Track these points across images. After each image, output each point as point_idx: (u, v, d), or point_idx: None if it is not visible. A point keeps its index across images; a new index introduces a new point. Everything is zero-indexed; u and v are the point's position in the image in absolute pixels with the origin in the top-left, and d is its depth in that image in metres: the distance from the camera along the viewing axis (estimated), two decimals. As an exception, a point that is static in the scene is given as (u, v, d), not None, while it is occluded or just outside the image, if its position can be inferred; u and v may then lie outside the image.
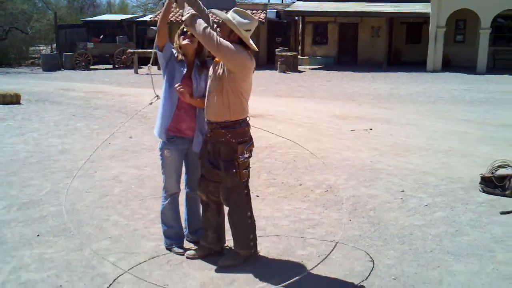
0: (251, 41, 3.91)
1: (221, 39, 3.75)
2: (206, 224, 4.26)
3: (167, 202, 4.34)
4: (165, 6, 4.02)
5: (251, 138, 4.08)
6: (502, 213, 5.37)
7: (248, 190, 4.13)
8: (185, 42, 4.13)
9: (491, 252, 4.43)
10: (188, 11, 3.83)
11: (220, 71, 3.87)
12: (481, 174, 6.22)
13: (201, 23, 3.74)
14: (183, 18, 3.83)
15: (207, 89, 4.04)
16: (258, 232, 4.31)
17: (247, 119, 4.05)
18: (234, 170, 3.92)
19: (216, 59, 3.94)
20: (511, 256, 4.34)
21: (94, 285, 3.76)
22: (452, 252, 4.43)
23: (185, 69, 4.17)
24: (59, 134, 9.47)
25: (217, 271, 3.99)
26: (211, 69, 4.04)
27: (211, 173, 4.11)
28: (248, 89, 4.00)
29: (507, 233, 4.83)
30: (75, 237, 4.61)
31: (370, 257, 4.30)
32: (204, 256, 4.20)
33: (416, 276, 3.97)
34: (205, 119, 4.08)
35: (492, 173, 6.12)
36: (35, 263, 4.11)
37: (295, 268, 4.10)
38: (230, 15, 3.85)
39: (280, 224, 5.07)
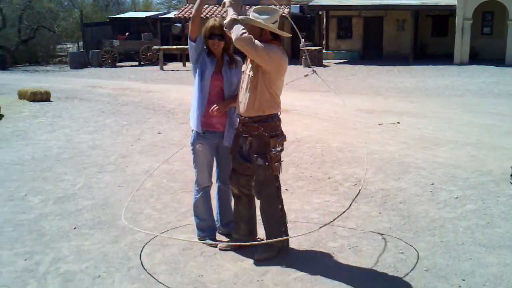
0: (281, 31, 3.98)
1: (258, 43, 3.80)
2: (238, 216, 4.34)
3: (199, 195, 4.42)
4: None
5: (282, 132, 4.14)
6: (534, 205, 5.33)
7: (279, 184, 4.19)
8: (212, 44, 4.19)
9: (523, 244, 4.41)
10: (232, 15, 3.88)
11: (254, 70, 3.92)
12: (512, 166, 6.17)
13: (239, 28, 3.79)
14: (225, 21, 3.89)
15: (240, 85, 4.10)
16: (289, 225, 4.37)
17: (279, 113, 4.11)
18: (266, 163, 3.98)
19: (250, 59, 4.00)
20: (544, 248, 4.33)
21: (131, 275, 3.86)
22: (484, 244, 4.42)
23: (215, 64, 4.23)
24: (89, 130, 9.66)
25: (254, 263, 4.05)
26: (244, 66, 4.10)
27: (242, 166, 4.18)
28: (281, 85, 4.07)
29: (540, 226, 4.80)
30: (111, 230, 4.73)
31: (401, 248, 4.32)
32: (237, 249, 4.28)
33: (448, 267, 3.99)
34: (237, 114, 4.15)
35: (523, 165, 6.07)
36: (73, 254, 4.24)
37: (326, 258, 4.15)
38: (253, 16, 3.90)
39: (310, 217, 5.12)
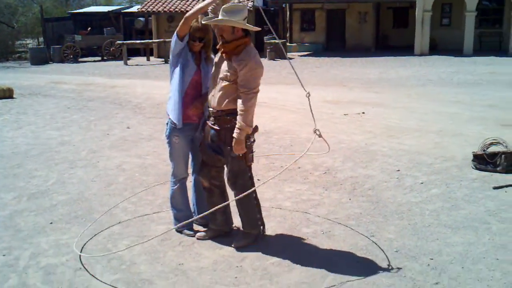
0: (252, 26, 4.11)
1: (247, 90, 3.97)
2: (213, 208, 4.44)
3: (176, 187, 4.51)
4: (205, 3, 4.11)
5: (254, 125, 4.26)
6: (495, 188, 5.61)
7: (252, 174, 4.31)
8: (193, 45, 4.27)
9: (486, 224, 4.66)
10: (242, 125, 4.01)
11: (233, 75, 4.02)
12: (473, 152, 6.45)
13: (247, 115, 4.00)
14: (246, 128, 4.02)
15: (211, 79, 4.20)
16: (264, 213, 4.49)
17: None
18: (240, 154, 4.10)
19: (222, 50, 4.09)
20: (505, 227, 4.58)
21: (112, 266, 3.93)
22: (449, 225, 4.65)
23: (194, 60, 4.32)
24: (57, 127, 9.58)
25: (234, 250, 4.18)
26: (216, 58, 4.20)
27: (213, 158, 4.29)
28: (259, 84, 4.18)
29: (500, 206, 5.06)
30: (87, 224, 4.77)
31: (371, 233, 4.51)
32: (214, 237, 4.39)
33: (417, 248, 4.19)
34: (209, 107, 4.24)
35: (484, 150, 6.35)
36: (52, 248, 4.28)
37: (301, 243, 4.31)
38: (223, 15, 3.99)
39: (283, 205, 5.26)
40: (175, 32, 4.23)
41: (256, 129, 4.25)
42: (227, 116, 4.10)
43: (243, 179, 4.21)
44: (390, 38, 28.59)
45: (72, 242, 4.38)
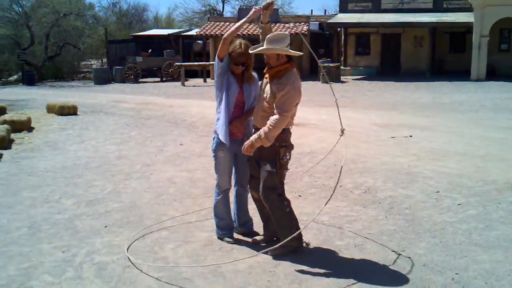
0: (295, 52, 4.48)
1: (281, 111, 4.28)
2: (265, 217, 4.79)
3: (220, 197, 4.88)
4: (239, 23, 4.55)
5: (291, 144, 4.59)
6: (532, 211, 5.68)
7: (283, 190, 4.61)
8: (236, 69, 4.68)
9: (517, 245, 4.78)
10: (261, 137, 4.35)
11: (271, 97, 4.38)
12: (514, 176, 6.53)
13: (271, 131, 4.28)
14: (265, 141, 4.35)
15: (258, 99, 4.58)
16: (301, 226, 4.78)
17: (290, 128, 4.57)
18: (274, 170, 4.42)
19: (266, 75, 4.47)
20: (536, 248, 4.68)
21: (157, 266, 4.33)
22: (480, 244, 4.80)
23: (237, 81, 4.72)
24: (116, 142, 10.22)
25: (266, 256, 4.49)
26: (263, 82, 4.56)
27: (259, 172, 4.64)
28: (295, 109, 4.51)
29: (535, 229, 5.15)
30: (138, 228, 5.21)
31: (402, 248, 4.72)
32: (269, 242, 4.74)
33: (444, 263, 4.37)
34: (253, 125, 4.61)
35: (524, 174, 6.42)
36: (105, 248, 4.73)
37: (333, 254, 4.58)
38: (268, 45, 4.38)
39: (320, 219, 5.53)
40: (216, 55, 4.65)
41: (291, 147, 4.58)
42: None
43: (274, 194, 4.50)
44: (446, 63, 28.33)
45: (123, 243, 4.82)
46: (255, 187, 4.71)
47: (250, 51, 4.55)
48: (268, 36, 4.43)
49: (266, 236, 4.84)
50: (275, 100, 4.35)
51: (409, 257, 4.50)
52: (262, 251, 4.49)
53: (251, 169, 4.73)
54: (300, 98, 4.48)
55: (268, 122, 4.32)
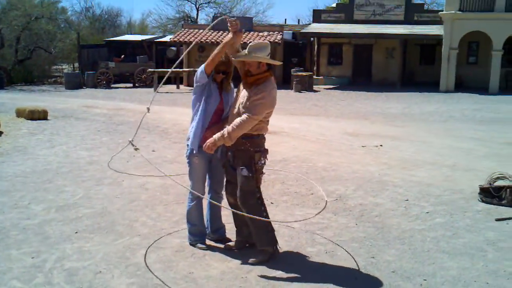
0: (275, 61, 4.63)
1: (249, 113, 4.36)
2: (239, 222, 4.82)
3: (193, 203, 4.89)
4: (225, 42, 4.57)
5: (265, 149, 4.65)
6: (497, 219, 5.84)
7: (261, 195, 4.66)
8: (217, 77, 4.72)
9: (482, 252, 4.91)
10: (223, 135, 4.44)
11: (247, 102, 4.44)
12: (480, 185, 6.70)
13: (235, 131, 4.38)
14: (228, 140, 4.43)
15: (233, 107, 4.62)
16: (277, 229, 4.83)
17: (264, 134, 4.63)
18: (251, 175, 4.47)
19: (245, 81, 4.53)
20: (500, 255, 4.82)
21: (129, 271, 4.31)
22: (447, 251, 4.91)
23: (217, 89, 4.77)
24: (87, 147, 10.12)
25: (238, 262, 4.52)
26: (239, 89, 4.61)
27: (235, 177, 4.67)
28: (270, 114, 4.59)
29: (500, 237, 5.30)
30: (110, 234, 5.18)
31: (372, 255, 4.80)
32: (241, 248, 4.80)
33: (413, 270, 4.47)
34: None
35: (490, 184, 6.59)
36: (76, 254, 4.69)
37: (305, 261, 4.63)
38: (253, 52, 4.46)
39: (292, 226, 5.59)
40: (203, 67, 4.67)
41: (266, 151, 4.63)
42: (242, 139, 4.49)
43: (253, 199, 4.55)
44: (416, 74, 28.86)
45: (94, 249, 4.78)
46: (231, 192, 4.74)
47: (234, 59, 4.60)
48: (251, 44, 4.52)
49: (239, 243, 4.87)
50: (247, 103, 4.40)
51: (378, 264, 4.58)
52: (250, 261, 4.52)
53: (227, 175, 4.77)
54: (274, 107, 4.54)
55: (234, 122, 4.39)
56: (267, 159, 4.66)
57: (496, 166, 8.56)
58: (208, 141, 4.49)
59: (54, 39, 33.12)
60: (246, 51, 4.53)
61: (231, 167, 4.67)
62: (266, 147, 4.68)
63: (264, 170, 4.67)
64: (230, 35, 4.55)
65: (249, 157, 4.51)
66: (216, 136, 4.46)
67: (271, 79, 4.55)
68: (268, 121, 4.61)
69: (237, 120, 4.40)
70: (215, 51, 4.61)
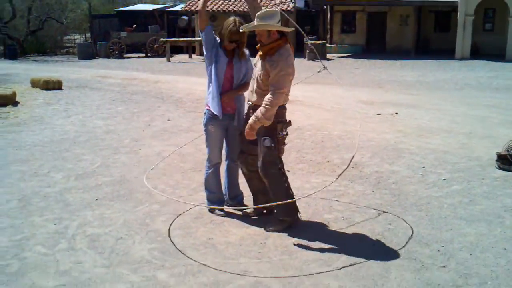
0: (286, 28, 4.48)
1: (275, 89, 4.29)
2: (254, 190, 4.87)
3: (210, 171, 4.94)
4: None
5: (287, 119, 4.62)
6: (515, 186, 5.83)
7: (282, 164, 4.67)
8: (229, 46, 4.69)
9: (500, 218, 4.91)
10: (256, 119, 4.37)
11: (265, 75, 4.38)
12: (497, 152, 6.66)
13: (268, 110, 4.30)
14: (264, 121, 4.36)
15: (252, 76, 4.59)
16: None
17: (285, 103, 4.59)
18: (273, 145, 4.47)
19: (260, 53, 4.47)
20: (518, 221, 4.83)
21: (150, 237, 4.39)
22: (464, 218, 4.92)
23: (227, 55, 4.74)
24: (102, 117, 10.18)
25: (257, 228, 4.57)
26: (256, 59, 4.57)
27: (249, 147, 4.68)
28: (290, 85, 4.51)
29: (517, 203, 5.30)
30: (129, 201, 5.26)
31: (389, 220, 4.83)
32: (259, 214, 4.86)
33: (430, 236, 4.49)
34: (248, 101, 4.64)
35: (508, 151, 6.55)
36: (97, 220, 4.77)
37: (322, 227, 4.67)
38: (258, 22, 4.37)
39: (309, 193, 5.62)
40: (197, 30, 4.68)
41: (289, 123, 4.62)
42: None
43: (274, 168, 4.55)
44: (431, 42, 28.45)
45: (114, 216, 4.86)
46: (244, 162, 4.77)
47: (241, 30, 4.55)
48: (258, 13, 4.41)
49: (256, 209, 4.91)
50: (270, 79, 4.36)
51: (395, 230, 4.61)
52: (268, 229, 4.55)
53: (242, 144, 4.77)
54: (294, 74, 4.48)
55: (264, 102, 4.33)
56: (288, 130, 4.64)
57: (513, 133, 8.51)
58: (246, 129, 4.44)
59: (65, 9, 33.09)
60: (254, 21, 4.45)
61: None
62: (288, 119, 4.65)
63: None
64: None
65: (271, 128, 4.47)
66: (251, 120, 4.39)
67: (286, 47, 4.44)
68: (289, 90, 4.56)
69: (266, 98, 4.31)
70: (199, 6, 4.67)
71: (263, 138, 4.49)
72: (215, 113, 4.68)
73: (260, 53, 4.50)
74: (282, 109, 4.54)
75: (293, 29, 4.77)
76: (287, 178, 4.67)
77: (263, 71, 4.40)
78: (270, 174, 4.54)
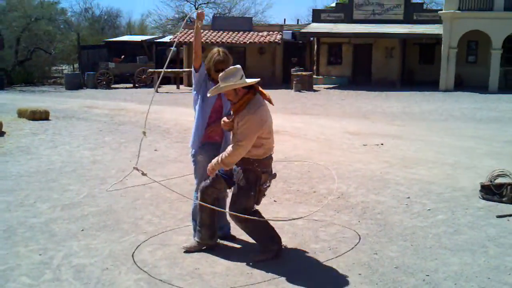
0: (250, 80, 4.47)
1: (237, 141, 4.34)
2: (200, 222, 4.76)
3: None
4: (195, 32, 4.70)
5: (272, 171, 4.65)
6: (498, 216, 5.90)
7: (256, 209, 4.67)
8: (216, 76, 4.76)
9: (484, 248, 4.97)
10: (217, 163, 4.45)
11: (237, 128, 4.42)
12: (481, 182, 6.76)
13: (227, 158, 4.38)
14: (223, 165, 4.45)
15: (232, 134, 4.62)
16: (278, 230, 4.87)
17: (271, 154, 4.63)
18: (253, 193, 4.48)
19: (232, 109, 4.50)
20: (501, 251, 4.88)
21: (136, 268, 4.38)
22: (449, 248, 4.97)
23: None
24: (89, 147, 10.18)
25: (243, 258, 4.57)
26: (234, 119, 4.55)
27: (220, 185, 4.64)
28: (268, 132, 4.51)
29: (500, 233, 5.36)
30: (115, 232, 5.24)
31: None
32: (199, 250, 4.74)
33: (415, 266, 4.53)
34: None
35: (491, 181, 6.65)
36: (82, 251, 4.75)
37: (309, 257, 4.69)
38: (222, 82, 4.40)
39: (295, 223, 5.64)
40: (192, 66, 4.77)
41: (274, 175, 4.66)
42: (250, 159, 4.47)
43: (245, 213, 4.49)
44: (416, 74, 28.90)
45: (100, 247, 4.84)
46: (207, 193, 4.65)
47: (208, 95, 4.58)
48: (220, 75, 4.43)
49: (198, 245, 4.77)
50: (238, 131, 4.40)
51: (381, 260, 4.64)
52: (249, 261, 4.53)
53: (215, 180, 4.65)
54: (264, 126, 4.43)
55: (226, 150, 4.42)
56: (271, 182, 4.68)
57: (497, 164, 8.60)
58: (208, 166, 4.52)
59: (54, 40, 33.24)
60: (220, 83, 4.43)
61: (225, 177, 4.64)
62: (274, 171, 4.67)
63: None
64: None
65: (255, 177, 4.50)
66: (213, 161, 4.47)
67: (256, 98, 4.44)
68: (269, 138, 4.53)
69: (229, 148, 4.40)
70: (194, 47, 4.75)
71: (244, 183, 4.48)
72: (192, 148, 4.75)
73: (232, 110, 4.52)
74: (268, 159, 4.58)
75: (258, 79, 4.70)
76: (259, 214, 4.64)
77: (236, 125, 4.42)
78: (241, 220, 4.50)
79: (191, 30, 29.20)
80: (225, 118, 4.54)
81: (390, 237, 5.28)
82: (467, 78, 26.36)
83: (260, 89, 4.54)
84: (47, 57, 33.32)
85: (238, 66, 4.47)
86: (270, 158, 4.61)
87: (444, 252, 4.85)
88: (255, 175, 4.49)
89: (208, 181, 4.67)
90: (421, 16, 27.70)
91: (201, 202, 4.63)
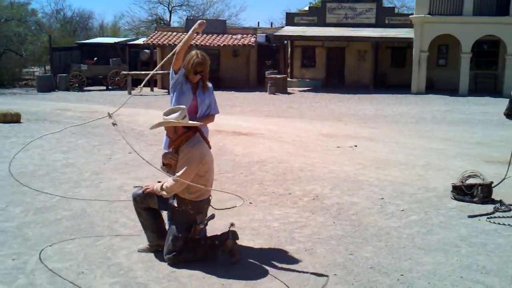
0: (192, 122, 4.55)
1: (179, 175, 4.37)
2: (144, 226, 4.80)
3: (172, 203, 4.94)
4: (188, 36, 4.69)
5: (212, 214, 4.69)
6: (470, 216, 6.03)
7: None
8: (193, 78, 4.79)
9: (456, 247, 5.06)
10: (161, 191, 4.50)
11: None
12: (453, 183, 6.89)
13: (164, 190, 4.46)
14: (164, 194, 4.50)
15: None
16: (251, 232, 4.91)
17: (209, 197, 4.69)
18: (180, 235, 4.47)
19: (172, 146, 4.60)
20: (473, 250, 4.99)
21: (111, 271, 4.34)
22: (422, 247, 5.06)
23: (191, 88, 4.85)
24: (62, 150, 10.05)
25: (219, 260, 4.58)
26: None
27: (153, 199, 4.67)
28: (207, 171, 4.57)
29: (472, 233, 5.48)
30: (90, 236, 5.19)
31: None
32: (154, 252, 4.74)
33: (390, 265, 4.59)
34: None
35: (462, 182, 6.78)
36: (57, 255, 4.69)
37: (284, 258, 4.72)
38: (164, 118, 4.48)
39: (271, 225, 5.67)
40: (171, 67, 4.77)
41: (212, 217, 4.68)
42: (186, 199, 4.53)
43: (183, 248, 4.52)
44: (388, 77, 29.31)
45: (75, 250, 4.79)
46: (138, 202, 4.72)
47: (150, 129, 4.65)
48: (164, 111, 4.53)
49: (151, 247, 4.79)
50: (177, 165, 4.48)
51: (356, 260, 4.69)
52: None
53: (150, 201, 4.68)
54: (203, 162, 4.48)
55: (166, 182, 4.45)
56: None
57: (467, 165, 8.80)
58: (149, 186, 4.60)
59: (24, 41, 32.74)
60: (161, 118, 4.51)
61: (161, 202, 4.67)
62: (209, 213, 4.69)
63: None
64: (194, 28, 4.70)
65: (188, 219, 4.52)
66: (156, 185, 4.53)
67: (195, 136, 4.53)
68: (207, 179, 4.57)
69: (169, 180, 4.43)
70: (178, 48, 4.72)
71: (178, 224, 4.50)
72: (163, 148, 4.77)
73: (172, 147, 4.58)
74: (205, 203, 4.62)
75: (199, 123, 4.70)
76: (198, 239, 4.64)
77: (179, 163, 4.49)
78: (175, 262, 4.48)
79: (165, 32, 29.13)
80: (167, 153, 4.58)
81: (365, 237, 5.34)
82: (438, 81, 26.86)
83: (200, 130, 4.64)
84: (17, 58, 32.81)
85: (183, 106, 4.55)
86: (208, 202, 4.66)
87: (418, 252, 4.93)
88: (187, 217, 4.51)
89: (141, 191, 4.70)
90: (392, 20, 28.11)
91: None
